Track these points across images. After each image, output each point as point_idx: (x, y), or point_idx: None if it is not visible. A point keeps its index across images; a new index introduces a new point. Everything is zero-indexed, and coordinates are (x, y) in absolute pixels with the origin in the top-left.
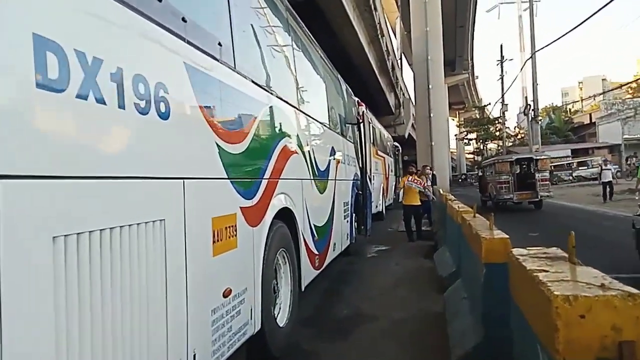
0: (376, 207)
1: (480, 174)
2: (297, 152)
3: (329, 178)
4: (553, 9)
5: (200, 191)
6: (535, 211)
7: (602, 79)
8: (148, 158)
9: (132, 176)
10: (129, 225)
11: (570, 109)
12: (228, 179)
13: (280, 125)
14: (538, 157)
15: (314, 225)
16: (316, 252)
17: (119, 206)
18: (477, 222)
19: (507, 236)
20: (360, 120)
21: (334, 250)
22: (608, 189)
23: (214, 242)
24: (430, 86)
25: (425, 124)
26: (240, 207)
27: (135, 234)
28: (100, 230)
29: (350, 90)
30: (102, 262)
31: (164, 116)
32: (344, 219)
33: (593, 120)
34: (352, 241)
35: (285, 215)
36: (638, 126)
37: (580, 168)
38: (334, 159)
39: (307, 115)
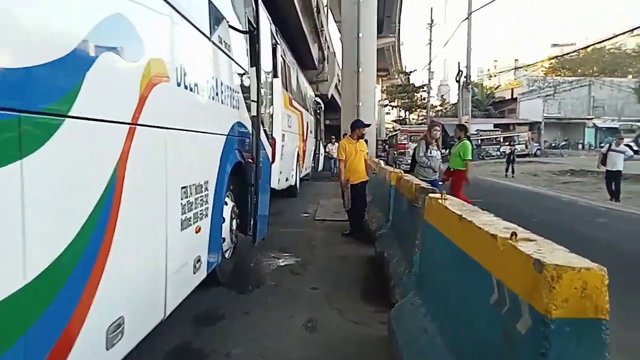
0: (286, 179)
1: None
2: None
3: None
4: None
5: None
6: None
7: (515, 60)
8: None
9: None
10: None
11: (486, 86)
12: None
13: None
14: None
15: None
16: None
17: None
18: None
19: None
20: (254, 28)
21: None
22: (613, 185)
23: None
24: (360, 34)
25: (352, 80)
26: None
27: None
28: None
29: None
30: None
31: None
32: (186, 227)
33: (515, 96)
34: (218, 262)
35: None
36: (555, 106)
37: (505, 144)
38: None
39: None
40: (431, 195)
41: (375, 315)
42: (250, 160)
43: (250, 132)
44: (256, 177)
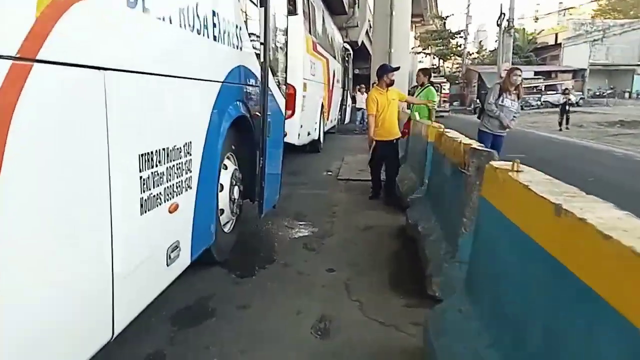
0: (308, 134)
1: None
2: None
3: None
4: None
5: None
6: None
7: (559, 2)
8: None
9: None
10: None
11: (527, 32)
12: None
13: None
14: None
15: None
16: None
17: None
18: None
19: None
20: None
21: None
22: None
23: None
24: None
25: (384, 24)
26: None
27: None
28: None
29: None
30: None
31: None
32: (152, 207)
33: (559, 42)
34: (211, 242)
35: None
36: (603, 51)
37: (548, 92)
38: None
39: None
40: (495, 163)
41: (407, 312)
42: (258, 114)
43: (255, 80)
44: (263, 133)
